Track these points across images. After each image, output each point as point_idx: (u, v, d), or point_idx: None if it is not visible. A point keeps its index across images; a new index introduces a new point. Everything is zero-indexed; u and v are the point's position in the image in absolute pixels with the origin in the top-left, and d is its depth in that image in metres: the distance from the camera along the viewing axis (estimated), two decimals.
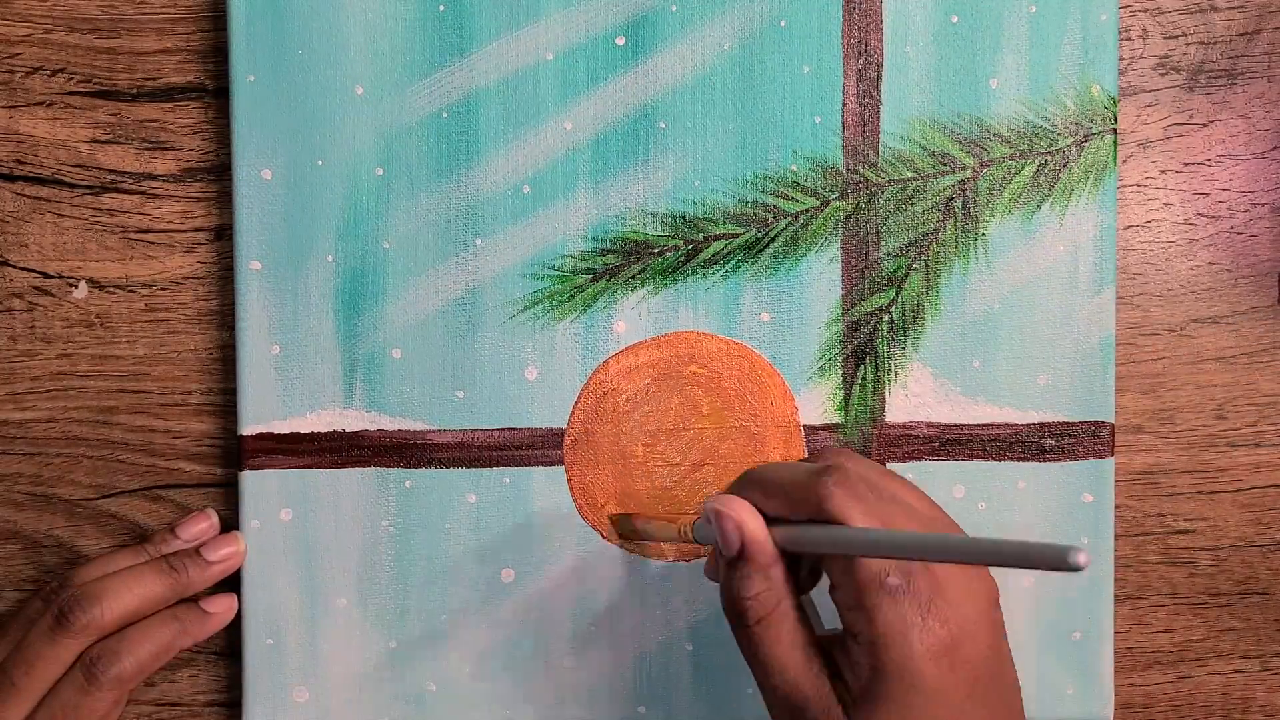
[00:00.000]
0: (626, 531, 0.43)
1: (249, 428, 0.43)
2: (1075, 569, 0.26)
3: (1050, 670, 0.43)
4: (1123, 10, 0.44)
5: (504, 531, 0.43)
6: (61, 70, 0.43)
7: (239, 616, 0.43)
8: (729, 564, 0.34)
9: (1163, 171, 0.44)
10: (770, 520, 0.34)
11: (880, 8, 0.42)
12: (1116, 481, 0.44)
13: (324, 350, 0.43)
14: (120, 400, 0.44)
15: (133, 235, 0.44)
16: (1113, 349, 0.43)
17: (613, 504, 0.43)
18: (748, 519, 0.34)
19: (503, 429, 0.43)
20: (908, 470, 0.43)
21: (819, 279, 0.43)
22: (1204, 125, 0.44)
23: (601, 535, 0.43)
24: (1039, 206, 0.43)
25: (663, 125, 0.43)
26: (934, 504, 0.35)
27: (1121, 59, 0.44)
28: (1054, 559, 0.26)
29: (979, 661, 0.32)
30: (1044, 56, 0.42)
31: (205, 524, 0.43)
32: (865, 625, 0.32)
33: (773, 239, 0.43)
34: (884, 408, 0.43)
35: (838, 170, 0.43)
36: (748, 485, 0.35)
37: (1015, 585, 0.43)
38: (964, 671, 0.32)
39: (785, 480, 0.34)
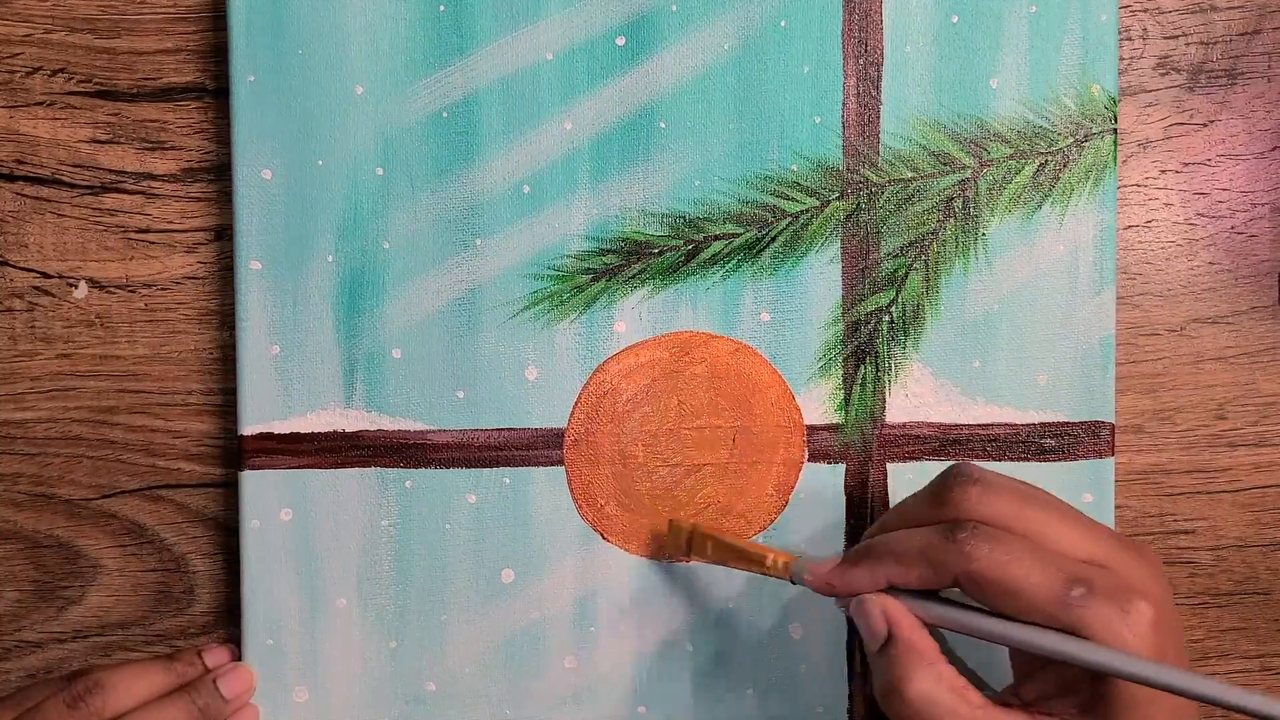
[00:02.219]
0: (682, 544, 0.41)
1: (249, 428, 0.43)
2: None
3: None
4: (1123, 10, 0.44)
5: (504, 531, 0.43)
6: (61, 70, 0.43)
7: (239, 616, 0.43)
8: (878, 652, 0.33)
9: (1163, 171, 0.44)
10: (908, 592, 0.33)
11: (880, 8, 0.42)
12: (1116, 481, 0.44)
13: (324, 350, 0.43)
14: (120, 400, 0.44)
15: (133, 235, 0.44)
16: (1113, 349, 0.43)
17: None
18: (894, 612, 0.32)
19: (503, 429, 0.43)
20: (907, 470, 0.43)
21: (819, 279, 0.43)
22: (1204, 125, 0.44)
23: (602, 536, 0.43)
24: (1039, 206, 0.43)
25: (663, 125, 0.43)
26: (1077, 511, 0.34)
27: (1121, 59, 0.44)
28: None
29: (1175, 623, 0.31)
30: (1044, 56, 0.42)
31: (225, 654, 0.43)
32: (1060, 689, 0.31)
33: (773, 239, 0.43)
34: (884, 408, 0.43)
35: (838, 170, 0.43)
36: (878, 558, 0.33)
37: None
38: (1171, 638, 0.31)
39: (920, 548, 0.32)
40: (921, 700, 0.31)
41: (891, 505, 0.43)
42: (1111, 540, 0.32)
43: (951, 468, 0.34)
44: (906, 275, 0.43)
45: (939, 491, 0.34)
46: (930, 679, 0.31)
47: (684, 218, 0.43)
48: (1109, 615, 0.30)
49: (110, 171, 0.44)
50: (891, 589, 0.33)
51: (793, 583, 0.37)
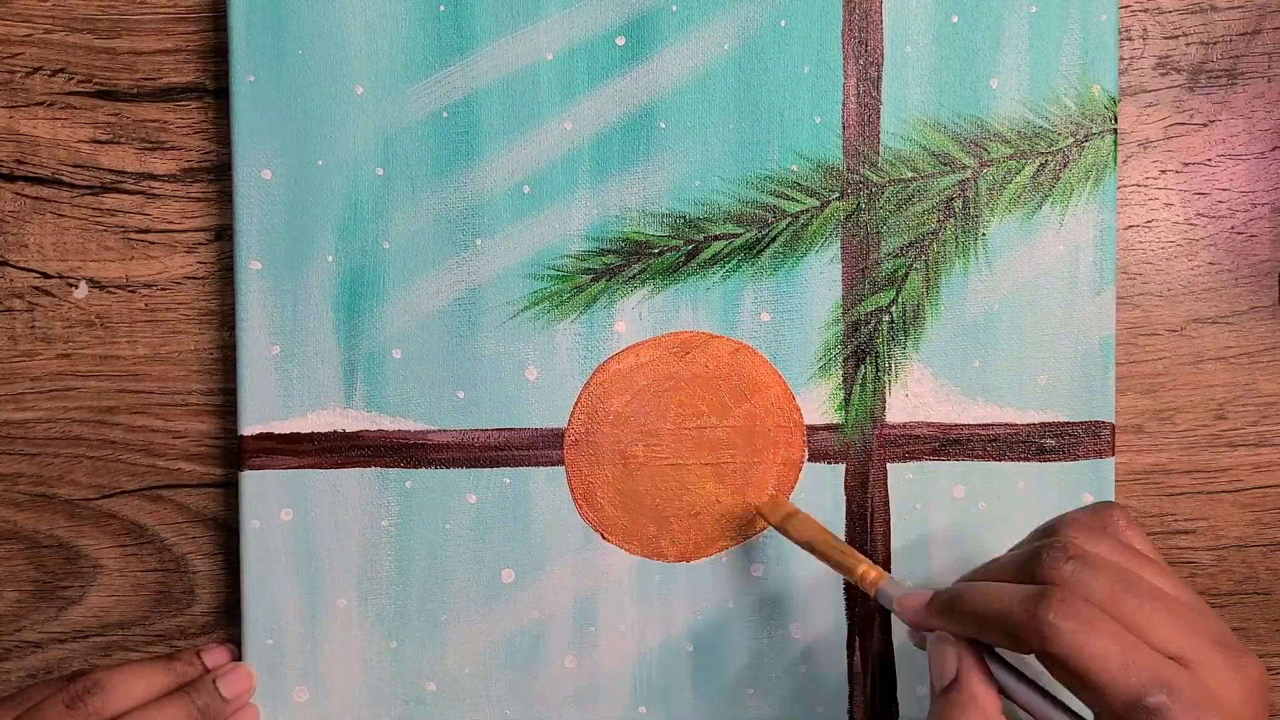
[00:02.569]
0: (783, 526, 0.41)
1: (249, 428, 0.43)
2: None
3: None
4: (1123, 10, 0.44)
5: (504, 531, 0.43)
6: (61, 70, 0.43)
7: (239, 616, 0.43)
8: (941, 692, 0.33)
9: (1163, 171, 0.44)
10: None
11: (880, 8, 0.42)
12: (1116, 481, 0.44)
13: (324, 350, 0.43)
14: (120, 400, 0.44)
15: (133, 235, 0.44)
16: (1113, 349, 0.43)
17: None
18: (967, 660, 0.32)
19: (503, 429, 0.43)
20: (907, 470, 0.43)
21: (819, 279, 0.43)
22: (1204, 125, 0.44)
23: (602, 536, 0.43)
24: (1039, 206, 0.43)
25: (663, 125, 0.43)
26: (1191, 592, 0.32)
27: (1121, 59, 0.44)
28: None
29: None
30: (1044, 56, 0.42)
31: (225, 655, 0.43)
32: None
33: (773, 239, 0.43)
34: (884, 408, 0.43)
35: (838, 170, 0.43)
36: (961, 616, 0.33)
37: None
38: None
39: (1002, 612, 0.31)
40: None
41: (890, 506, 0.43)
42: (1211, 640, 0.31)
43: (1048, 538, 0.33)
44: (906, 275, 0.43)
45: (1030, 563, 0.33)
46: None
47: (684, 218, 0.43)
48: None
49: (110, 171, 0.44)
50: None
51: (875, 600, 0.38)
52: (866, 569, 0.38)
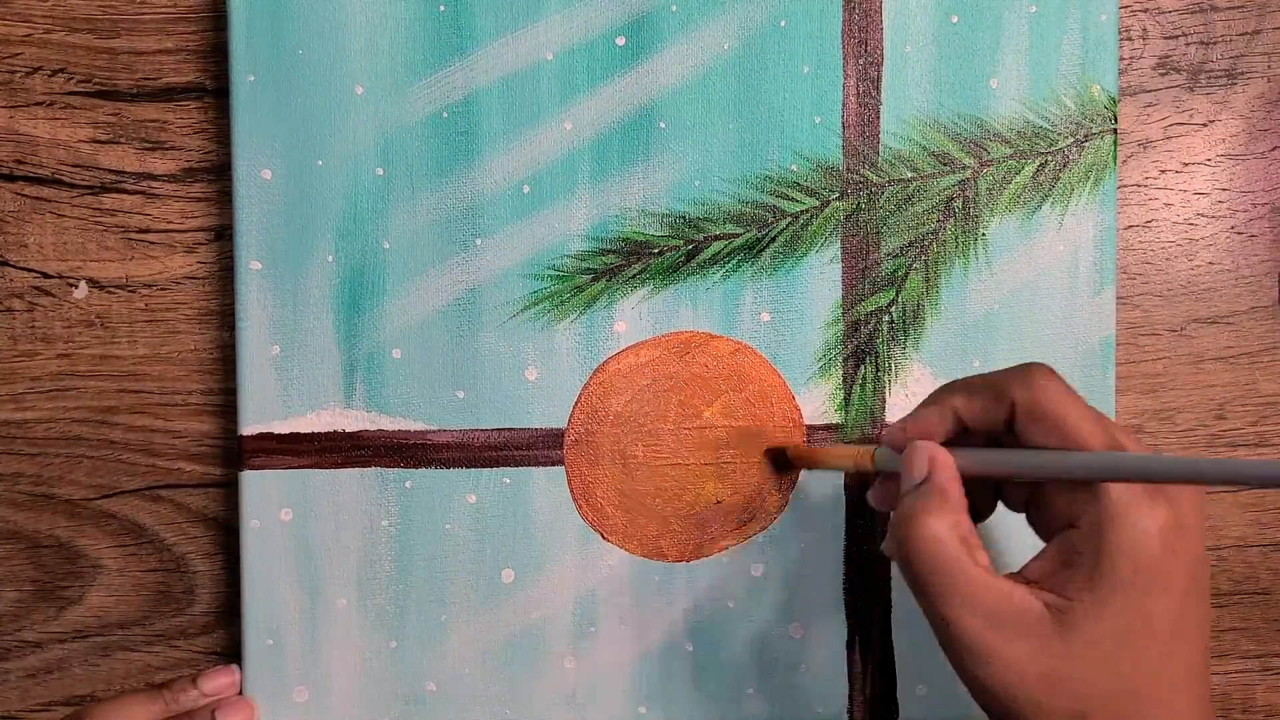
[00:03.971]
0: (784, 461, 0.42)
1: (249, 428, 0.43)
2: None
3: None
4: (1123, 10, 0.44)
5: (504, 531, 0.43)
6: (61, 70, 0.43)
7: (239, 616, 0.43)
8: (908, 495, 0.33)
9: (1163, 171, 0.44)
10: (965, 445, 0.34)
11: (880, 8, 0.42)
12: None
13: (324, 350, 0.43)
14: (120, 400, 0.44)
15: (133, 235, 0.44)
16: (1113, 349, 0.43)
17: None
18: (940, 457, 0.33)
19: (503, 429, 0.43)
20: None
21: (819, 279, 0.43)
22: (1204, 125, 0.44)
23: (602, 536, 0.43)
24: (1039, 206, 0.43)
25: (663, 125, 0.43)
26: None
27: (1121, 59, 0.44)
28: None
29: (1196, 554, 0.31)
30: (1044, 56, 0.42)
31: (227, 679, 0.42)
32: (1090, 504, 0.31)
33: (773, 239, 0.43)
34: (884, 408, 0.43)
35: (838, 170, 0.43)
36: (948, 390, 0.34)
37: None
38: (1185, 559, 0.31)
39: (988, 379, 0.33)
40: (932, 540, 0.31)
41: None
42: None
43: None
44: (906, 275, 0.43)
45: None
46: (948, 523, 0.32)
47: (684, 218, 0.43)
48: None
49: (110, 171, 0.44)
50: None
51: (876, 473, 0.37)
52: (863, 450, 0.38)
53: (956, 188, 0.43)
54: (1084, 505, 0.31)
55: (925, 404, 0.35)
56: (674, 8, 0.42)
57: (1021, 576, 0.33)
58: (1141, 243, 0.44)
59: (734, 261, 0.43)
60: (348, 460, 0.43)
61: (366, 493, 0.43)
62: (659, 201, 0.43)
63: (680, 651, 0.43)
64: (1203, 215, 0.44)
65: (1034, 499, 0.34)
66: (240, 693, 0.43)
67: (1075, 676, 0.30)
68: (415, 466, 0.43)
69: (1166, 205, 0.44)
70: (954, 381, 0.35)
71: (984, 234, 0.43)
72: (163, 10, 0.43)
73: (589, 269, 0.43)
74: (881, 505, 0.37)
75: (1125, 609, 0.30)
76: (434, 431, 0.43)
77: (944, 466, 0.33)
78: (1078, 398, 0.32)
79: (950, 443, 0.34)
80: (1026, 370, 0.33)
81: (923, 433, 0.34)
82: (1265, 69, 0.44)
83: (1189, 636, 0.31)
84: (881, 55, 0.43)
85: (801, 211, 0.43)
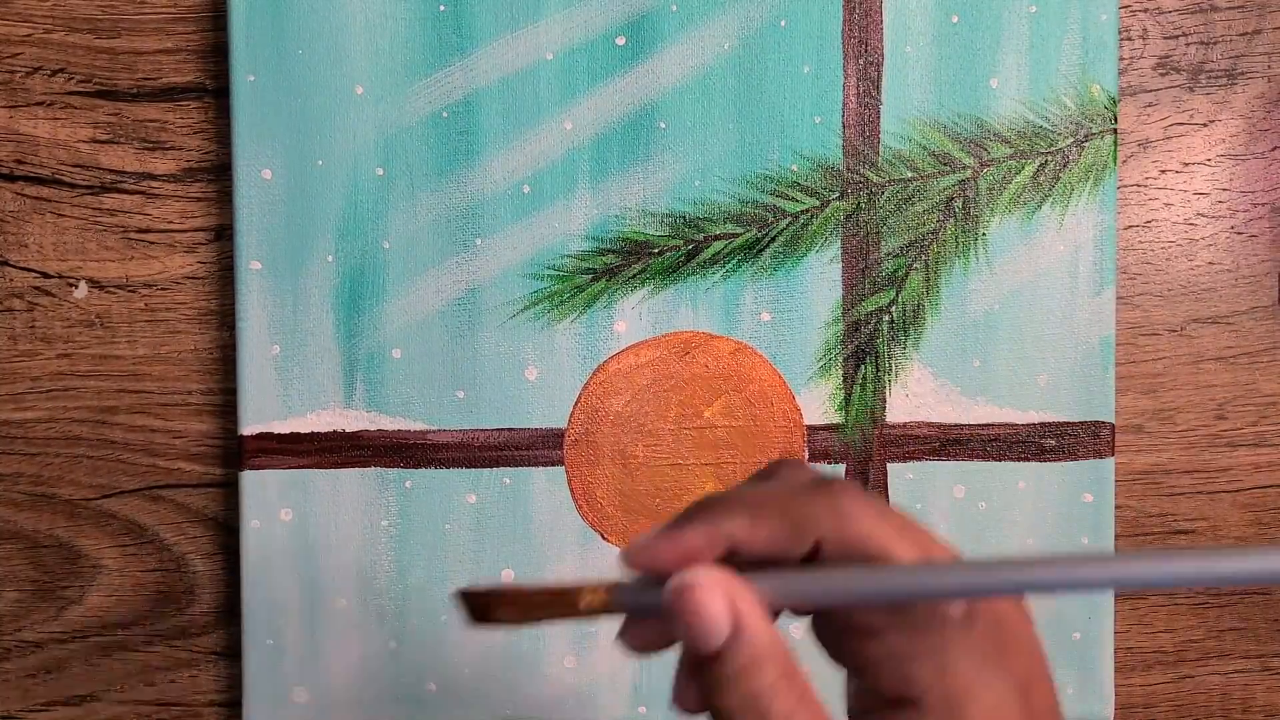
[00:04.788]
0: (482, 611, 0.26)
1: (249, 428, 0.43)
2: None
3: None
4: (1123, 10, 0.44)
5: (504, 531, 0.43)
6: (61, 70, 0.43)
7: (239, 616, 0.43)
8: (710, 660, 0.24)
9: (1163, 171, 0.44)
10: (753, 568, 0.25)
11: (880, 8, 0.42)
12: (1116, 481, 0.44)
13: (324, 350, 0.43)
14: (120, 400, 0.44)
15: (133, 235, 0.44)
16: (1113, 349, 0.43)
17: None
18: (744, 599, 0.24)
19: (503, 429, 0.43)
20: (907, 470, 0.43)
21: (819, 279, 0.43)
22: (1204, 125, 0.44)
23: (602, 536, 0.43)
24: (1039, 206, 0.43)
25: (663, 125, 0.43)
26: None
27: (1121, 59, 0.44)
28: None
29: (1052, 694, 0.26)
30: (1044, 56, 0.42)
31: None
32: (936, 678, 0.24)
33: (773, 239, 0.43)
34: (884, 408, 0.43)
35: (838, 170, 0.43)
36: (721, 511, 0.25)
37: None
38: (1042, 704, 0.25)
39: (779, 499, 0.25)
40: None
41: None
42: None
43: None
44: (906, 275, 0.43)
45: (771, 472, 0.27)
46: (794, 698, 0.24)
47: (684, 218, 0.43)
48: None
49: (110, 171, 0.44)
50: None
51: (617, 610, 0.26)
52: (588, 588, 0.26)
53: (956, 188, 0.43)
54: (930, 676, 0.24)
55: (683, 520, 0.25)
56: (674, 7, 0.42)
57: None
58: (1141, 243, 0.44)
59: (734, 261, 0.43)
60: (348, 460, 0.43)
61: (366, 493, 0.43)
62: (659, 201, 0.43)
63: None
64: (1203, 215, 0.44)
65: (858, 657, 0.26)
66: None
67: None
68: (415, 466, 0.43)
69: (1166, 205, 0.44)
70: (724, 496, 0.25)
71: (984, 234, 0.43)
72: (163, 10, 0.43)
73: (589, 269, 0.43)
74: (639, 649, 0.27)
75: None
76: (434, 431, 0.43)
77: (752, 615, 0.24)
78: (893, 515, 0.25)
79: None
80: (831, 495, 0.24)
81: (683, 558, 0.24)
82: (1265, 69, 0.44)
83: None
84: (881, 55, 0.43)
85: (801, 211, 0.43)
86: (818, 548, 0.24)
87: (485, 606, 0.26)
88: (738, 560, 0.25)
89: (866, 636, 0.25)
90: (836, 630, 0.26)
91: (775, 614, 0.25)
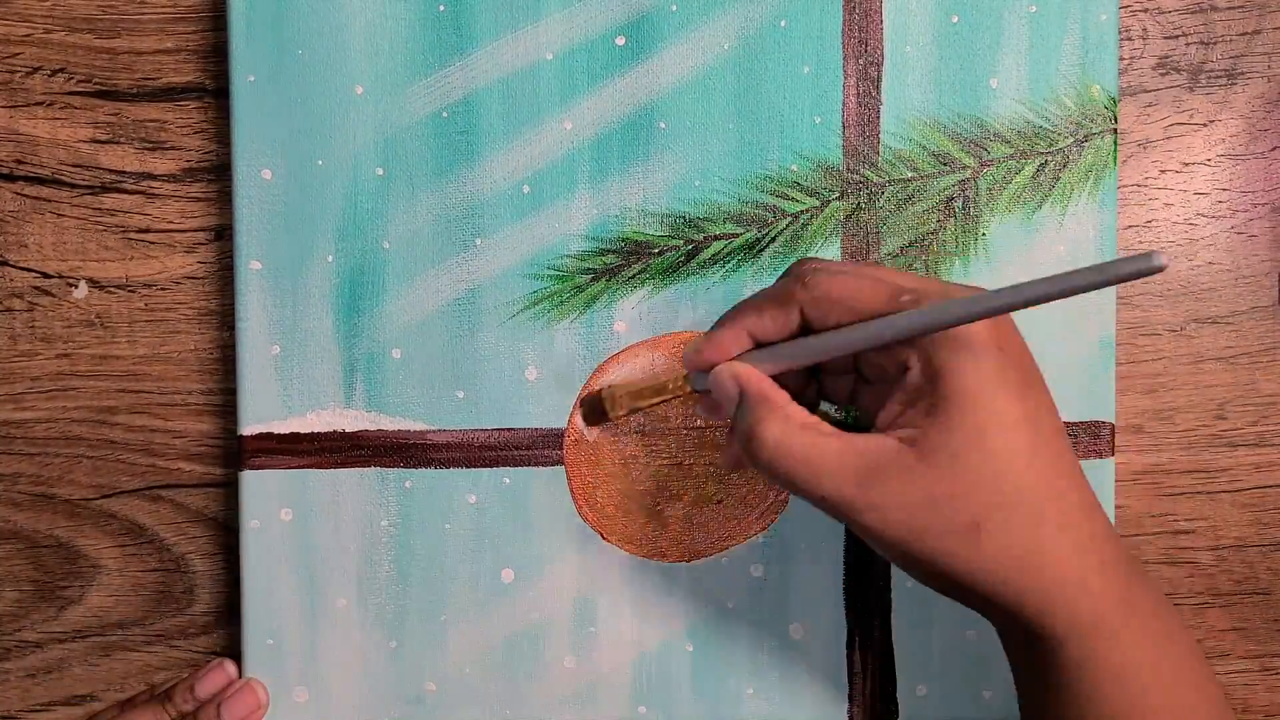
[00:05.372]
0: (599, 411, 0.42)
1: (249, 428, 0.43)
2: (1159, 269, 0.27)
3: None
4: (1123, 10, 0.44)
5: (504, 531, 0.43)
6: (61, 70, 0.43)
7: (239, 616, 0.43)
8: (734, 419, 0.34)
9: (1163, 171, 0.44)
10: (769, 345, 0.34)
11: (880, 8, 0.42)
12: (1116, 481, 0.44)
13: (324, 350, 0.43)
14: (120, 400, 0.44)
15: (133, 235, 0.44)
16: (1113, 349, 0.43)
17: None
18: (742, 372, 0.34)
19: (503, 429, 0.43)
20: None
21: None
22: (1204, 125, 0.44)
23: (602, 536, 0.43)
24: (1039, 206, 0.43)
25: (663, 125, 0.43)
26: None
27: (1121, 59, 0.44)
28: (1138, 267, 0.27)
29: (1021, 344, 0.33)
30: (1044, 56, 0.42)
31: (222, 677, 0.42)
32: (910, 354, 0.32)
33: (773, 239, 0.43)
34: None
35: (838, 170, 0.43)
36: (737, 312, 0.35)
37: None
38: (1013, 353, 0.32)
39: (769, 293, 0.34)
40: (774, 444, 0.32)
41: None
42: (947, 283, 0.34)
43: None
44: None
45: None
46: (779, 421, 0.33)
47: (684, 218, 0.43)
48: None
49: (110, 171, 0.44)
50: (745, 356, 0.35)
51: (694, 390, 0.37)
52: (673, 377, 0.39)
53: (956, 187, 0.43)
54: (906, 357, 0.32)
55: (719, 326, 0.35)
56: (674, 8, 0.42)
57: (875, 430, 0.33)
58: (1141, 243, 0.44)
59: (734, 261, 0.43)
60: (348, 460, 0.43)
61: (366, 493, 0.43)
62: (659, 201, 0.43)
63: (680, 651, 0.43)
64: (1203, 215, 0.44)
65: (855, 385, 0.35)
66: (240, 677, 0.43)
67: (951, 492, 0.31)
68: (415, 466, 0.43)
69: (1166, 205, 0.44)
70: (743, 301, 0.35)
71: (984, 234, 0.43)
72: (163, 10, 0.43)
73: (589, 269, 0.43)
74: (712, 416, 0.38)
75: (976, 412, 0.31)
76: (434, 431, 0.43)
77: (750, 377, 0.34)
78: (852, 266, 0.33)
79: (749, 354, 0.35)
80: (798, 270, 0.33)
81: (719, 355, 0.35)
82: (1265, 69, 0.44)
83: (1046, 429, 0.32)
84: (881, 55, 0.43)
85: (801, 211, 0.43)
86: (804, 314, 0.33)
87: (601, 404, 0.41)
88: (762, 345, 0.34)
89: (864, 384, 0.35)
90: (848, 389, 0.36)
91: (789, 391, 0.34)
